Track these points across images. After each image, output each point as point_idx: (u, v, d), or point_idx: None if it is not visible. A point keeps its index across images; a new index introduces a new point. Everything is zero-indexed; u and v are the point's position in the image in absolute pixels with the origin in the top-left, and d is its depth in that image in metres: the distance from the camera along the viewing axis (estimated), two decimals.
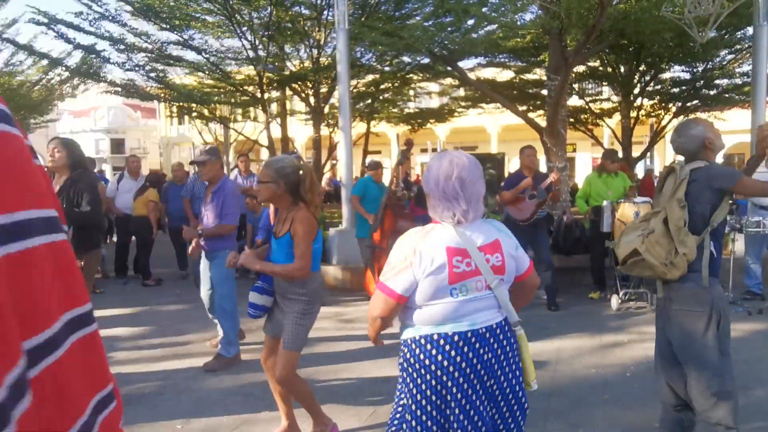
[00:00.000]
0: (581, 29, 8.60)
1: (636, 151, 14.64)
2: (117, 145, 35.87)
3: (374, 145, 20.80)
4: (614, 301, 6.07)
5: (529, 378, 1.97)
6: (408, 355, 1.89)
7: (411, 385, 1.88)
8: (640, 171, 16.30)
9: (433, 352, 1.82)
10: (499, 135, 28.04)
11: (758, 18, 7.33)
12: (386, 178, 6.93)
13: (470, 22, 9.53)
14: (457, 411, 1.82)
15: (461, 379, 1.82)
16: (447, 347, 1.82)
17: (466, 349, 1.82)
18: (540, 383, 3.89)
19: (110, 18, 10.60)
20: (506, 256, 1.88)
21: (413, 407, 1.87)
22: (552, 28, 8.64)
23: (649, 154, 15.96)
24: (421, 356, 1.84)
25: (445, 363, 1.81)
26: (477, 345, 1.83)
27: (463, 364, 1.82)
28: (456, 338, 1.82)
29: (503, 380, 1.91)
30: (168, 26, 11.59)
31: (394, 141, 26.75)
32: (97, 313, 3.89)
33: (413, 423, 1.87)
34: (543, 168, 8.89)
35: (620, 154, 9.08)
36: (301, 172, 2.92)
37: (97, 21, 10.38)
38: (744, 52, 11.87)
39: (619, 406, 3.57)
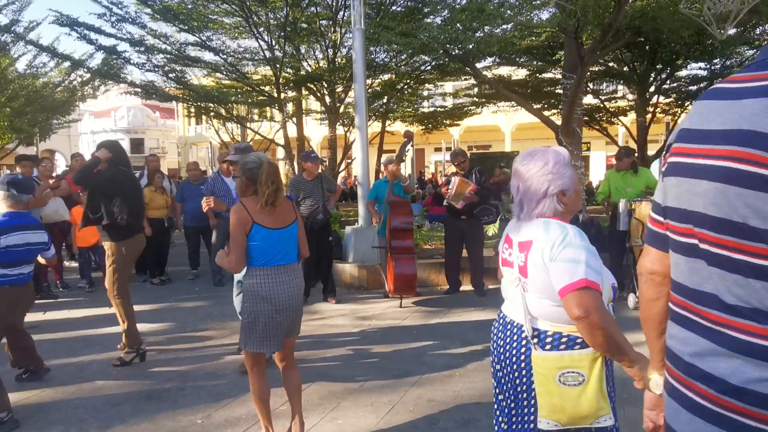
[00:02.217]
0: (598, 27, 8.54)
1: (651, 150, 14.49)
2: (136, 145, 36.32)
3: (389, 144, 20.81)
4: (631, 299, 6.04)
5: (539, 411, 1.77)
6: None
7: None
8: (655, 170, 16.10)
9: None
10: (513, 134, 27.92)
11: None
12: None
13: (486, 22, 9.53)
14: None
15: (492, 354, 2.01)
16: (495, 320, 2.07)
17: (495, 328, 2.01)
18: None
19: (130, 20, 10.77)
20: (531, 259, 1.78)
21: None
22: (568, 26, 8.60)
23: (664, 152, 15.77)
24: None
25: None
26: (500, 328, 1.96)
27: (491, 341, 2.02)
28: (498, 315, 2.04)
29: (507, 380, 1.89)
30: (186, 28, 11.74)
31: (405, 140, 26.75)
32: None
33: None
34: None
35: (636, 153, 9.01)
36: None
37: (118, 23, 10.55)
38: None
39: (638, 405, 3.55)
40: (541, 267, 1.75)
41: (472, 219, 6.51)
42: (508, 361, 1.87)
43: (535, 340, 1.79)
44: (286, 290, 2.98)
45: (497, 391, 1.98)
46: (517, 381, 1.85)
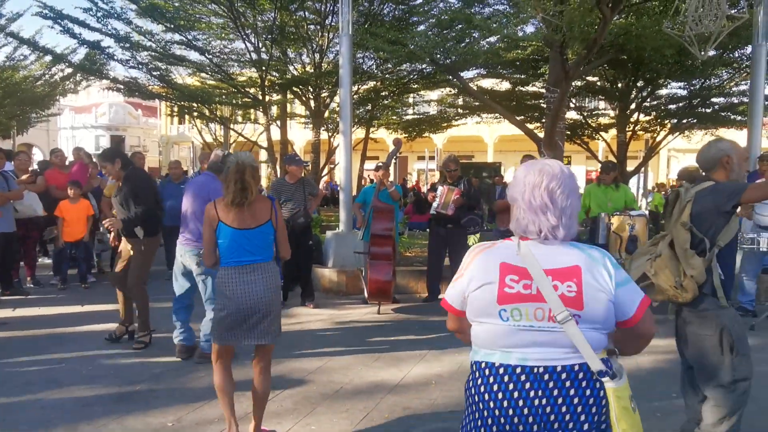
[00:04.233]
0: (582, 43, 8.68)
1: (630, 166, 14.73)
2: (117, 143, 35.78)
3: (373, 151, 20.83)
4: None
5: None
6: (467, 378, 1.69)
7: (466, 410, 1.69)
8: (633, 185, 16.40)
9: (479, 381, 1.61)
10: (496, 145, 28.18)
11: (757, 38, 7.43)
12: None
13: (474, 33, 9.63)
14: None
15: (502, 420, 1.55)
16: (491, 379, 1.58)
17: (511, 386, 1.55)
18: None
19: (116, 16, 10.63)
20: (588, 287, 1.53)
21: None
22: (553, 41, 8.72)
23: (643, 169, 16.07)
24: (471, 383, 1.65)
25: (486, 397, 1.57)
26: (527, 385, 1.54)
27: (505, 403, 1.54)
28: (501, 371, 1.57)
29: None
30: (173, 26, 11.63)
31: (392, 148, 26.86)
32: (90, 308, 3.99)
33: None
34: None
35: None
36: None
37: (104, 18, 10.41)
38: (742, 71, 11.99)
39: None
40: (602, 293, 1.54)
41: (457, 228, 6.53)
42: (564, 415, 1.52)
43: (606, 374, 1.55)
44: (251, 290, 2.97)
45: None
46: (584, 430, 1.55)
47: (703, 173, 2.70)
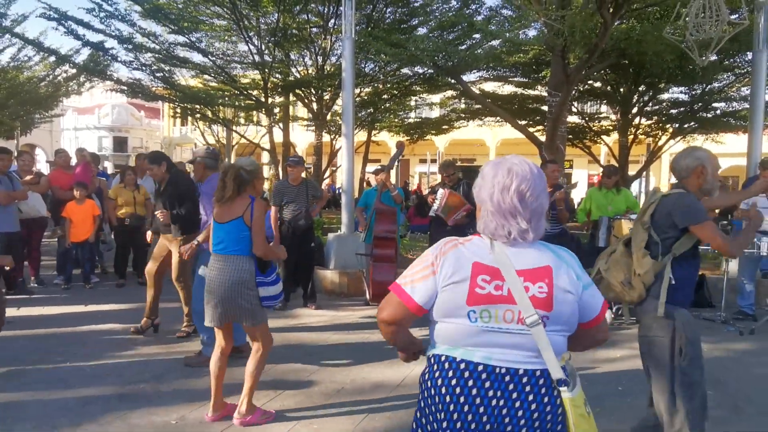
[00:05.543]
0: (584, 47, 8.73)
1: (632, 170, 14.77)
2: (119, 144, 35.88)
3: (375, 154, 20.90)
4: (607, 315, 6.11)
5: None
6: (423, 371, 1.65)
7: (419, 403, 1.65)
8: (635, 190, 16.44)
9: (437, 375, 1.56)
10: (498, 149, 28.23)
11: (758, 44, 7.46)
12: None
13: (476, 36, 9.69)
14: None
15: (455, 416, 1.51)
16: (450, 373, 1.54)
17: (471, 383, 1.51)
18: None
19: (120, 17, 10.69)
20: (557, 289, 1.51)
21: (413, 425, 1.66)
22: (555, 45, 8.76)
23: (644, 173, 16.11)
24: (427, 376, 1.60)
25: (443, 391, 1.53)
26: (487, 384, 1.51)
27: (462, 399, 1.51)
28: (462, 366, 1.53)
29: None
30: (176, 28, 11.69)
31: (395, 150, 26.89)
32: (93, 308, 4.06)
33: None
34: None
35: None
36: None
37: (107, 19, 10.47)
38: (743, 76, 12.03)
39: (611, 420, 3.59)
40: (571, 295, 1.53)
41: (457, 230, 6.55)
42: (519, 419, 1.50)
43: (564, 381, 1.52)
44: (216, 277, 3.35)
45: None
46: None
47: (677, 180, 2.72)
